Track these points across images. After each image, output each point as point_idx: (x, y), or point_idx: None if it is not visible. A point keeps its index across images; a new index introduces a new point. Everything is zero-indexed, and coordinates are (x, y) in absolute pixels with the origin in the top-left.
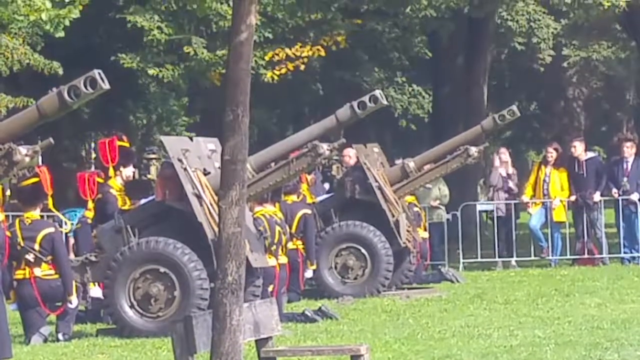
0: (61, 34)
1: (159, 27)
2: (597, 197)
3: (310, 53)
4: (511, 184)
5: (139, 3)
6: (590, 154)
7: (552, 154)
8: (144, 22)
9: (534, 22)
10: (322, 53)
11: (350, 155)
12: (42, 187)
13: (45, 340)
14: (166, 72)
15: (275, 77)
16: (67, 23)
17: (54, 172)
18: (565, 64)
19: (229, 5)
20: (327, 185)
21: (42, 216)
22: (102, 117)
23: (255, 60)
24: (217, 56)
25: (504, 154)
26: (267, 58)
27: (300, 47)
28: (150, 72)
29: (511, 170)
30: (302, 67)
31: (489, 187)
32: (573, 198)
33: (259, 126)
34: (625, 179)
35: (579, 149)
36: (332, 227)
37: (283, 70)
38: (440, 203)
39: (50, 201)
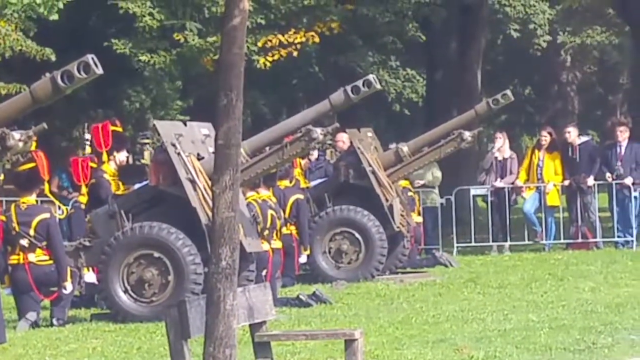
0: (55, 16)
1: (150, 14)
2: (590, 181)
3: (303, 39)
4: (510, 168)
5: None
6: (584, 138)
7: (545, 138)
8: (136, 9)
9: (530, 7)
10: (316, 39)
11: (344, 140)
12: (39, 173)
13: (33, 326)
14: (158, 58)
15: (268, 64)
16: (60, 5)
17: (49, 157)
18: (560, 50)
19: None
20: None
21: (37, 201)
22: (96, 102)
23: (248, 47)
24: (209, 42)
25: (499, 138)
26: (259, 44)
27: (294, 33)
28: (142, 58)
29: (508, 154)
30: (295, 53)
31: (482, 170)
32: (567, 182)
33: (253, 111)
34: (619, 163)
35: (573, 134)
36: (326, 212)
37: (276, 57)
38: (431, 185)
39: (46, 186)
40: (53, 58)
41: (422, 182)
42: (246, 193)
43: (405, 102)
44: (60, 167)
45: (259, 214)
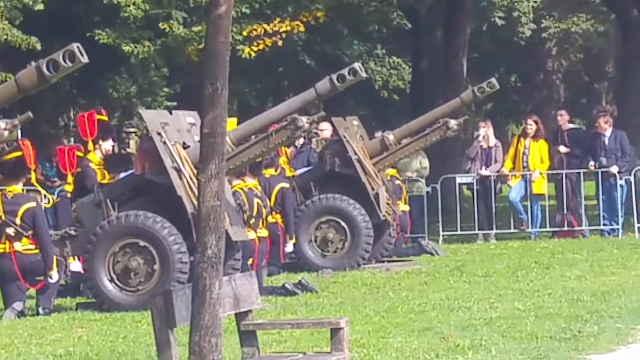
0: (40, 6)
1: (135, 3)
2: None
3: (289, 28)
4: (495, 157)
5: None
6: (572, 125)
7: (531, 127)
8: None
9: None
10: (302, 29)
11: (325, 128)
12: (26, 162)
13: (19, 316)
14: (142, 48)
15: (253, 54)
16: None
17: (35, 146)
18: (545, 35)
19: None
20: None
21: (24, 190)
22: (82, 91)
23: (233, 36)
24: (194, 32)
25: (482, 127)
26: (245, 34)
27: (279, 22)
28: (126, 49)
29: (493, 142)
30: (280, 42)
31: (467, 159)
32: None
33: (239, 100)
34: (603, 153)
35: (565, 118)
36: (312, 201)
37: (261, 47)
38: (419, 176)
39: (33, 175)
40: (39, 47)
41: (413, 175)
42: (232, 182)
43: (392, 90)
44: (43, 156)
45: (245, 203)
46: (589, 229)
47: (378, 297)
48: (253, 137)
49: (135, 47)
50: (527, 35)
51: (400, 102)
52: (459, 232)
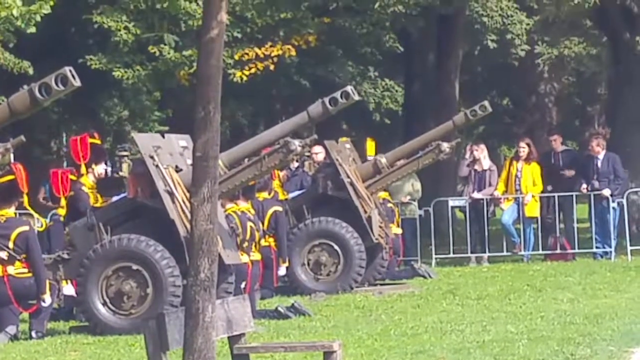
0: (32, 29)
1: (126, 27)
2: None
3: (280, 52)
4: (489, 180)
5: (108, 3)
6: (564, 147)
7: (524, 150)
8: (111, 23)
9: (507, 17)
10: (293, 53)
11: (318, 151)
12: (18, 185)
13: (12, 339)
14: (132, 73)
15: (245, 77)
16: (38, 19)
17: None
18: (537, 61)
19: (198, 4)
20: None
21: (16, 214)
22: (74, 114)
23: (224, 60)
24: (184, 56)
25: (475, 151)
26: (236, 57)
27: (270, 46)
28: (116, 74)
29: (487, 165)
30: (272, 66)
31: (461, 179)
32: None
33: (231, 123)
34: (595, 176)
35: (558, 142)
36: (304, 224)
37: (253, 70)
38: (412, 198)
39: (25, 199)
40: (31, 71)
41: (405, 198)
42: (225, 205)
43: (385, 112)
44: (45, 178)
45: (238, 226)
46: (581, 251)
47: (371, 320)
48: (245, 160)
49: (126, 72)
50: (521, 55)
51: (392, 125)
52: (452, 255)
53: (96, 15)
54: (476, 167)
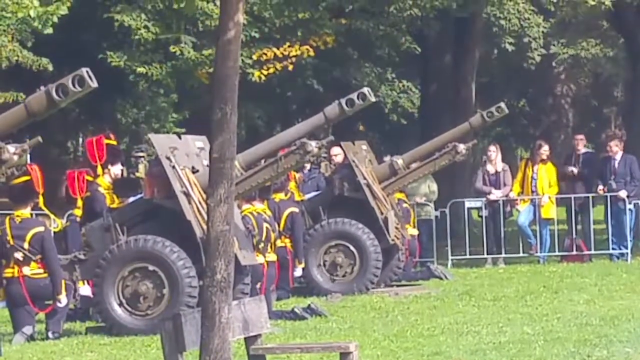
0: (49, 30)
1: (145, 26)
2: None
3: (298, 52)
4: (503, 180)
5: (126, 2)
6: (585, 149)
7: (546, 152)
8: (131, 21)
9: (524, 20)
10: (312, 53)
11: (337, 153)
12: (34, 186)
13: (29, 340)
14: (155, 69)
15: (263, 77)
16: (55, 20)
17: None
18: (554, 63)
19: (215, 4)
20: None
21: (32, 215)
22: (91, 115)
23: (243, 60)
24: (204, 55)
25: (490, 152)
26: (254, 57)
27: (288, 46)
28: (139, 69)
29: (500, 166)
30: (290, 67)
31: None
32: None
33: (247, 124)
34: (612, 177)
35: (582, 142)
36: (320, 225)
37: (271, 70)
38: (427, 200)
39: (41, 200)
40: (50, 68)
41: (421, 199)
42: (241, 206)
43: (402, 113)
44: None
45: (254, 227)
46: (598, 253)
47: (387, 321)
48: (262, 161)
49: (149, 69)
50: (536, 60)
51: (409, 126)
52: (468, 256)
53: (115, 14)
54: (488, 167)
